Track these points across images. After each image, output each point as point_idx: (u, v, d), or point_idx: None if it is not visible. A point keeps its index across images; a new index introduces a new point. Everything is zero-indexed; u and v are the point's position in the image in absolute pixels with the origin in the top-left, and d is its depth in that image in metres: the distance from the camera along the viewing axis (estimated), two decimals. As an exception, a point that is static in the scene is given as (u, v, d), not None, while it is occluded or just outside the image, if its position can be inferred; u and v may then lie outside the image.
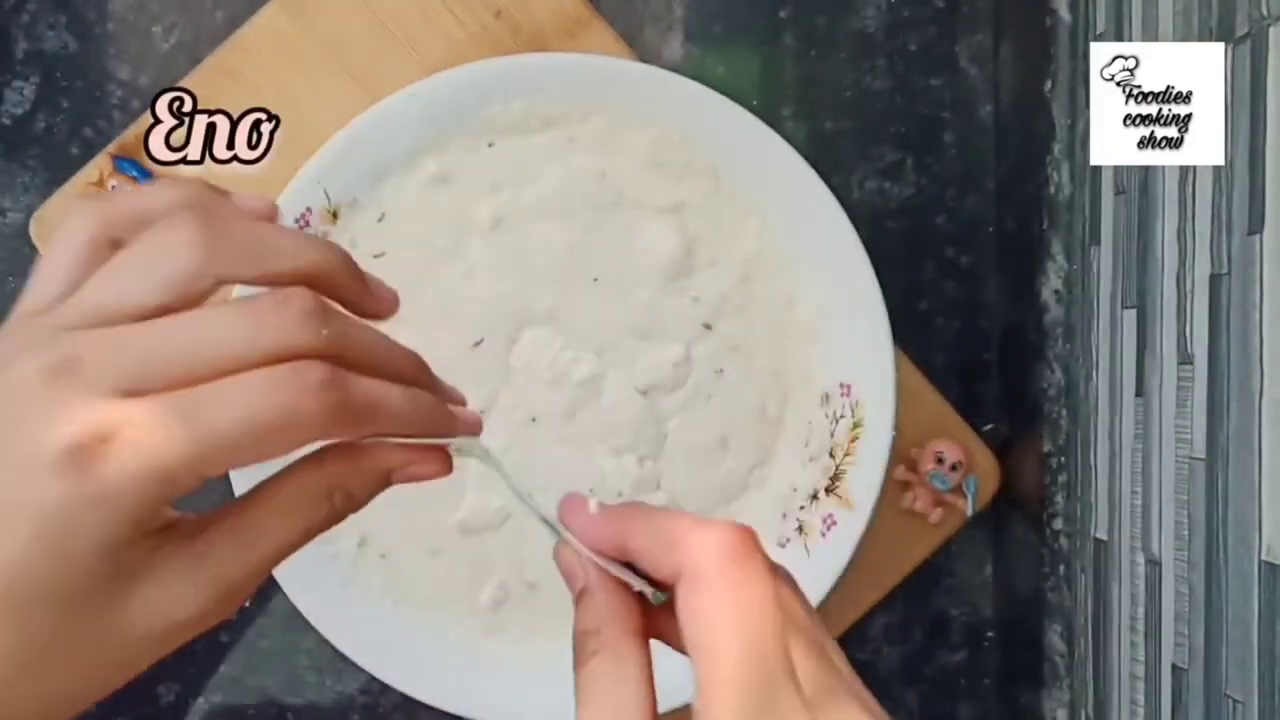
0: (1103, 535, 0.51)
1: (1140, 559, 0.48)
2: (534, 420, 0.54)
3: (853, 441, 0.54)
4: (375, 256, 0.53)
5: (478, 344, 0.54)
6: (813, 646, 0.26)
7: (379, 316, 0.30)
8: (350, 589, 0.55)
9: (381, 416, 0.28)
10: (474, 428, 0.31)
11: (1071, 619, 0.54)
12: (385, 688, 0.59)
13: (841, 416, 0.54)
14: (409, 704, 0.59)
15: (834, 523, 0.54)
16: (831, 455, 0.55)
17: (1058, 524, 0.54)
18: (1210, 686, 0.42)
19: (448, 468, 0.31)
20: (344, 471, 0.29)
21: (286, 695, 0.59)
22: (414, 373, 0.30)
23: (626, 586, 0.28)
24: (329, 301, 0.28)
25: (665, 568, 0.26)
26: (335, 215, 0.53)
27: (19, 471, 0.25)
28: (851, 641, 0.60)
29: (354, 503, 0.30)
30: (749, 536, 0.26)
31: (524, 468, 0.54)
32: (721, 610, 0.25)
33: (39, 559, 0.25)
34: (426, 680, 0.54)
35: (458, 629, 0.55)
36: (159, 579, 0.27)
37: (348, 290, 0.29)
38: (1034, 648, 0.56)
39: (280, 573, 0.53)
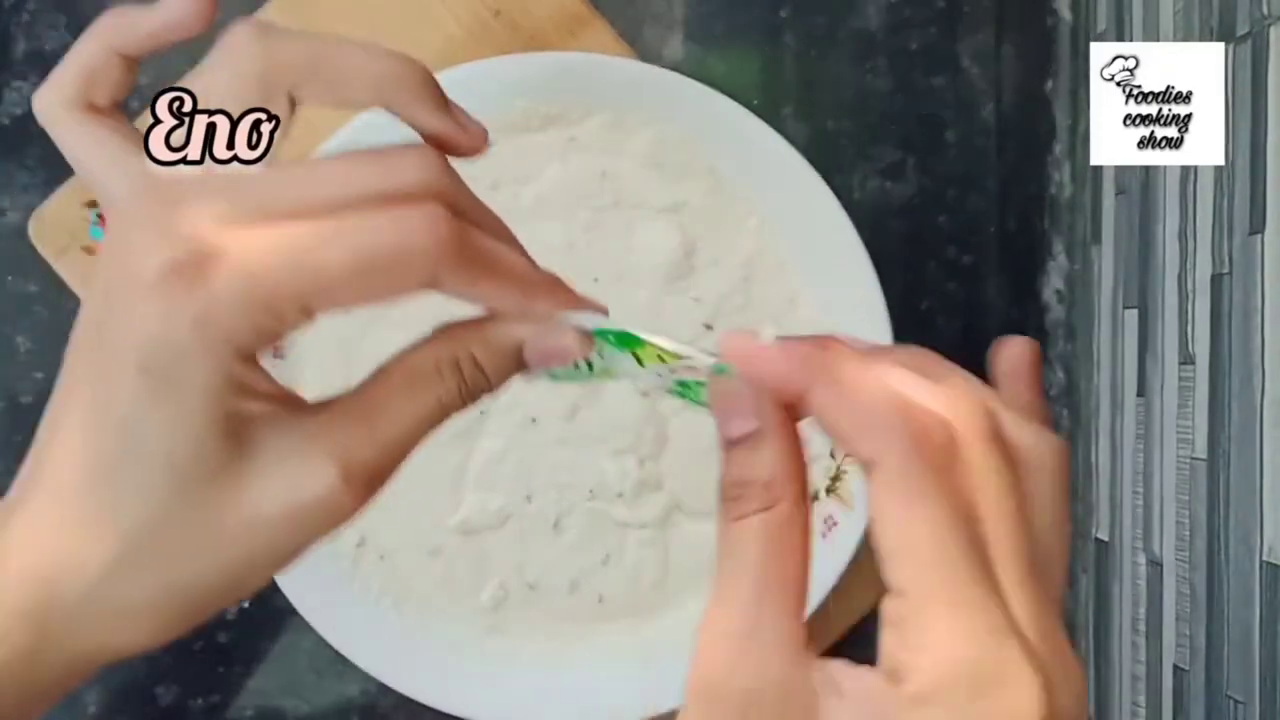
0: (1104, 535, 0.51)
1: (1142, 559, 0.48)
2: (534, 421, 0.54)
3: None
4: None
5: None
6: (1027, 556, 0.23)
7: (466, 152, 0.28)
8: (349, 589, 0.55)
9: (500, 270, 0.26)
10: (598, 307, 0.28)
11: (1073, 619, 0.54)
12: (385, 688, 0.59)
13: None
14: (409, 704, 0.59)
15: (834, 524, 0.54)
16: (832, 456, 0.55)
17: (1058, 524, 0.54)
18: (1212, 687, 0.42)
19: (588, 345, 0.27)
20: (471, 340, 0.27)
21: (286, 696, 0.59)
22: (514, 243, 0.28)
23: (799, 440, 0.24)
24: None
25: (854, 450, 0.24)
26: None
27: (121, 302, 0.24)
28: (852, 643, 0.60)
29: (485, 379, 0.27)
30: (941, 441, 0.23)
31: (524, 468, 0.54)
32: (909, 527, 0.23)
33: (147, 397, 0.24)
34: (426, 680, 0.54)
35: (457, 629, 0.55)
36: (277, 449, 0.25)
37: (426, 111, 0.27)
38: (1035, 648, 0.56)
39: (280, 576, 0.53)
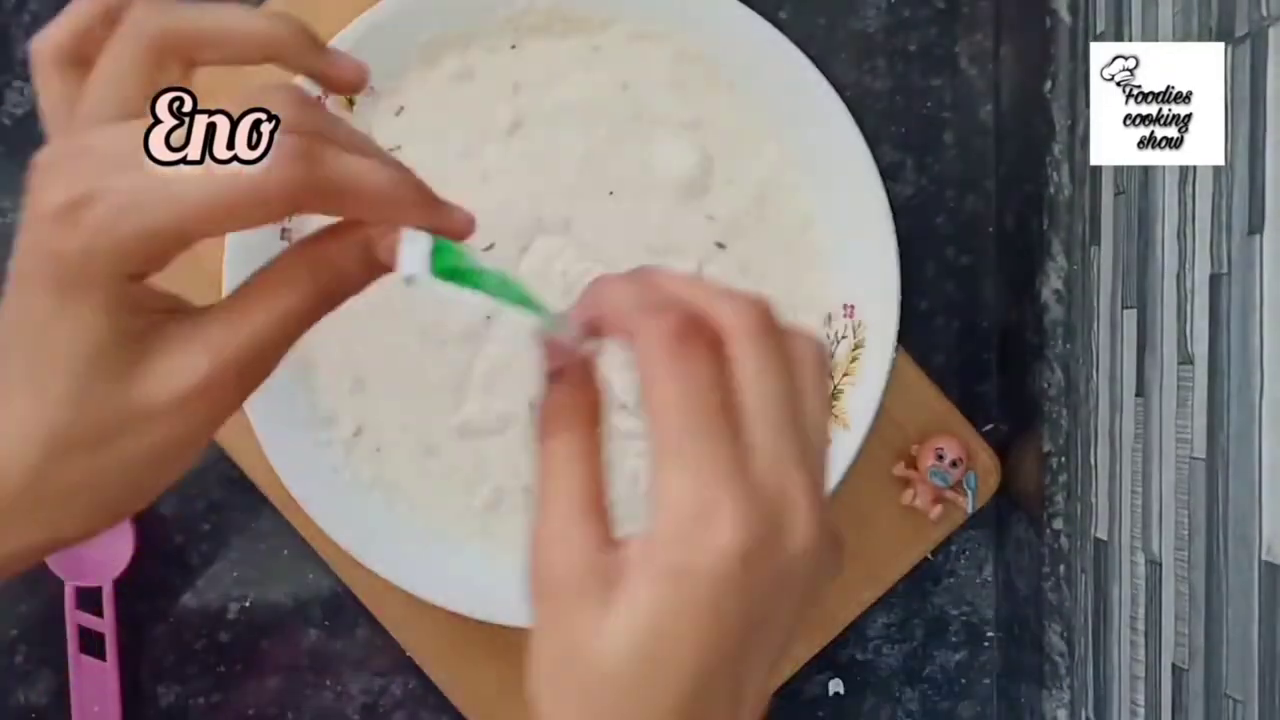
0: (1103, 535, 0.51)
1: (1140, 559, 0.48)
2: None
3: (852, 361, 0.54)
4: (391, 149, 0.53)
5: (488, 248, 0.53)
6: (776, 419, 0.28)
7: (346, 88, 0.33)
8: (341, 476, 0.54)
9: (358, 192, 0.30)
10: (464, 224, 0.32)
11: (1072, 619, 0.54)
12: (385, 688, 0.59)
13: (843, 337, 0.54)
14: (409, 704, 0.60)
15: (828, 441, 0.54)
16: (830, 375, 0.54)
17: (1058, 524, 0.54)
18: (1210, 686, 0.42)
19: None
20: (326, 242, 0.31)
21: (286, 695, 0.60)
22: (402, 172, 0.31)
23: (594, 382, 0.30)
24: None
25: (625, 330, 0.29)
26: (351, 103, 0.52)
27: (32, 233, 0.29)
28: (852, 641, 0.60)
29: (346, 279, 0.32)
30: (691, 324, 0.28)
31: (529, 375, 0.53)
32: (660, 385, 0.28)
33: (54, 312, 0.29)
34: (410, 568, 0.53)
35: (448, 528, 0.54)
36: (165, 349, 0.30)
37: (306, 58, 0.32)
38: (1034, 647, 0.56)
39: (275, 458, 0.52)
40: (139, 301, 0.30)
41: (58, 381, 0.29)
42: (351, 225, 0.31)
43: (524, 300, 0.31)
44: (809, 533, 0.27)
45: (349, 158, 0.30)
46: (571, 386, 0.30)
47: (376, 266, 0.32)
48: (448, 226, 0.32)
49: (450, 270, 0.31)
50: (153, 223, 0.28)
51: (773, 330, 0.29)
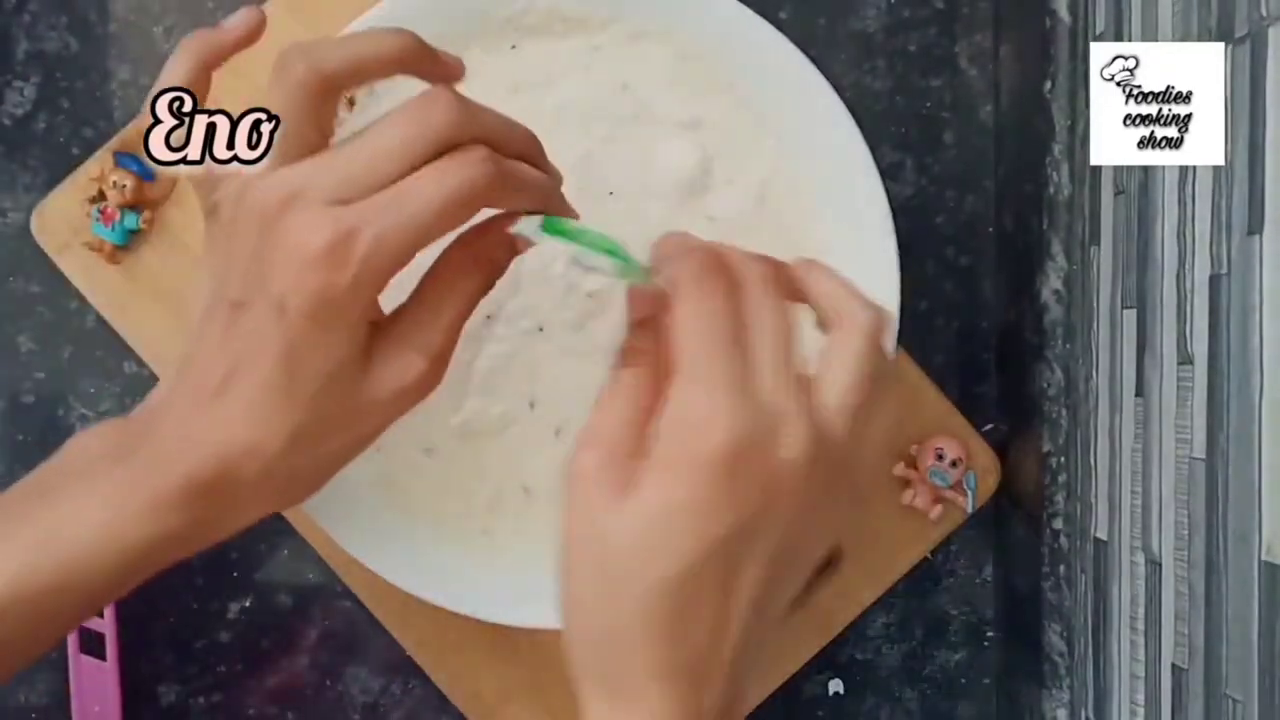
0: (1103, 535, 0.51)
1: (1140, 559, 0.48)
2: (540, 329, 0.53)
3: None
4: None
5: None
6: (779, 352, 0.33)
7: (454, 81, 0.37)
8: (341, 475, 0.54)
9: (525, 188, 0.36)
10: (575, 212, 0.40)
11: (1071, 619, 0.54)
12: (385, 687, 0.59)
13: None
14: (409, 704, 0.60)
15: None
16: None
17: (1058, 524, 0.54)
18: (1210, 686, 0.42)
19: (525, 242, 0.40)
20: (479, 238, 0.37)
21: (286, 695, 0.60)
22: (532, 149, 0.38)
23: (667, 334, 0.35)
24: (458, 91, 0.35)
25: (665, 275, 0.35)
26: (353, 103, 0.52)
27: (287, 272, 0.32)
28: (851, 641, 0.60)
29: (498, 266, 0.38)
30: (712, 265, 0.34)
31: (529, 375, 0.53)
32: (681, 315, 0.33)
33: (310, 335, 0.33)
34: (412, 570, 0.52)
35: (447, 527, 0.54)
36: (384, 354, 0.36)
37: (424, 63, 0.36)
38: (1034, 647, 0.56)
39: None
40: (370, 315, 0.35)
41: (309, 389, 0.34)
42: (497, 220, 0.37)
43: (614, 251, 0.37)
44: (798, 446, 0.32)
45: (512, 163, 0.35)
46: (650, 334, 0.35)
47: (514, 251, 0.38)
48: (567, 211, 0.39)
49: (556, 229, 0.37)
50: (403, 242, 0.33)
51: (777, 283, 0.35)
